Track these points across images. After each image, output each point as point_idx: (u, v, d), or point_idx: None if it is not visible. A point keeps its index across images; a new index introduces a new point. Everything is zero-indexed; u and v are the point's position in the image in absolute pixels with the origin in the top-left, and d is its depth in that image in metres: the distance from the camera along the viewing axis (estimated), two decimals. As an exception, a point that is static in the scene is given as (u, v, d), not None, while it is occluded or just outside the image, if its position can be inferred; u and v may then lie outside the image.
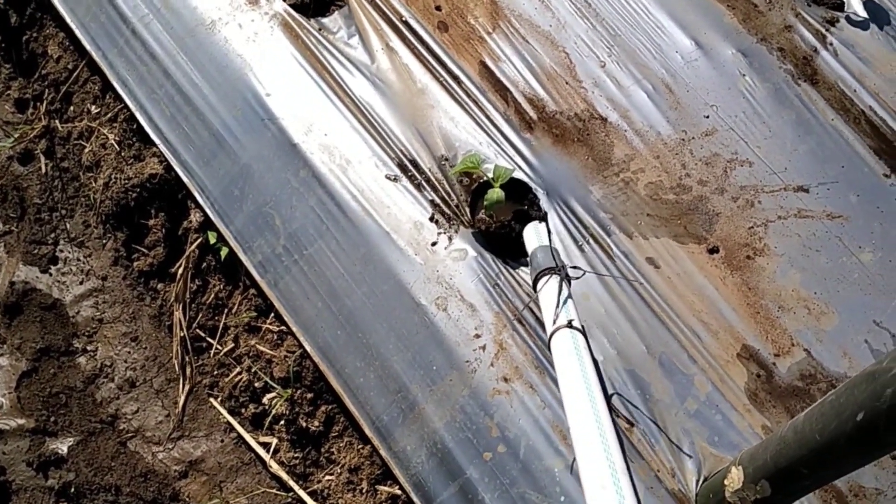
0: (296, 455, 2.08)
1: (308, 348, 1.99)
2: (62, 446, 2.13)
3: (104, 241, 2.53)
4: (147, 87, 2.33)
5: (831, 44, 2.53)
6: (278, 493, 2.11)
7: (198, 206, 2.24)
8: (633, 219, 2.10)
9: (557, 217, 2.07)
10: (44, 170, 2.64)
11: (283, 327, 2.13)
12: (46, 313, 2.38)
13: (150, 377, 2.33)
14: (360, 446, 2.00)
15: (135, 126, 2.40)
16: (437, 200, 2.09)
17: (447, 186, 2.11)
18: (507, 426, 1.77)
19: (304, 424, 2.06)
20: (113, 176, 2.44)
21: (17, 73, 2.85)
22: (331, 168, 2.11)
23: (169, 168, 2.30)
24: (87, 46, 2.44)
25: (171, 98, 2.29)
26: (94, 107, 2.58)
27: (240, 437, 2.19)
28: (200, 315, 2.33)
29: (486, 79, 2.30)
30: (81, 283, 2.47)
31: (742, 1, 2.57)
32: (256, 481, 2.15)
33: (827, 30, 2.56)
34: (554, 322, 1.68)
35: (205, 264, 2.33)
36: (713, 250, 2.08)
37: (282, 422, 2.10)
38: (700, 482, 1.72)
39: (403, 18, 2.36)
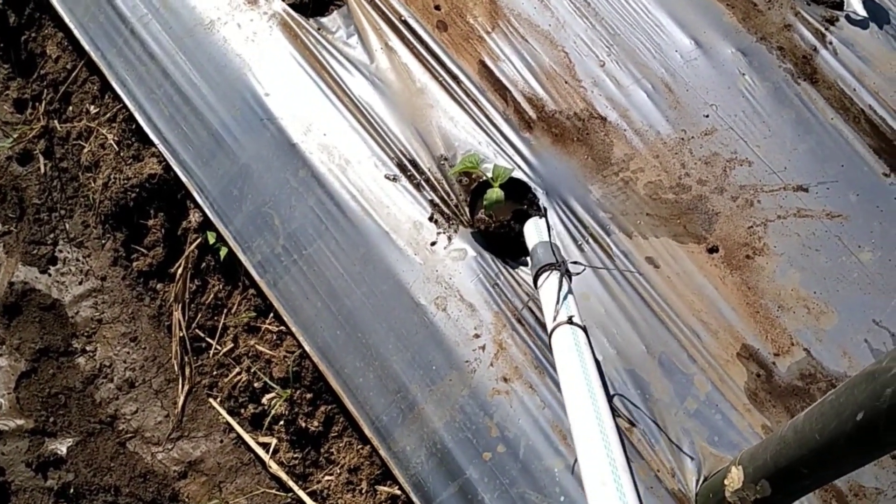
0: (295, 455, 2.08)
1: (307, 348, 1.99)
2: (61, 447, 2.12)
3: (103, 242, 2.53)
4: (146, 87, 2.33)
5: (831, 43, 2.52)
6: (278, 493, 2.11)
7: (197, 206, 2.24)
8: (633, 218, 2.10)
9: (557, 217, 2.07)
10: (43, 170, 2.64)
11: (282, 327, 2.13)
12: (45, 314, 2.38)
13: (150, 377, 2.33)
14: (359, 446, 2.00)
15: (134, 126, 2.40)
16: (437, 200, 2.09)
17: (446, 186, 2.11)
18: (507, 426, 1.77)
19: (303, 425, 2.06)
20: (112, 176, 2.44)
21: (15, 73, 2.85)
22: (330, 168, 2.11)
23: (168, 168, 2.30)
24: (86, 46, 2.44)
25: (170, 98, 2.29)
26: (92, 107, 2.58)
27: (239, 437, 2.19)
28: (200, 315, 2.33)
29: (486, 78, 2.29)
30: (80, 283, 2.47)
31: (741, 0, 2.57)
32: (256, 482, 2.15)
33: (826, 29, 2.56)
34: (554, 318, 1.68)
35: (204, 264, 2.33)
36: (713, 250, 2.08)
37: (281, 422, 2.10)
38: (700, 482, 1.72)
39: (402, 18, 2.36)
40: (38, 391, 2.22)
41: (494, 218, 2.05)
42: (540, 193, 2.10)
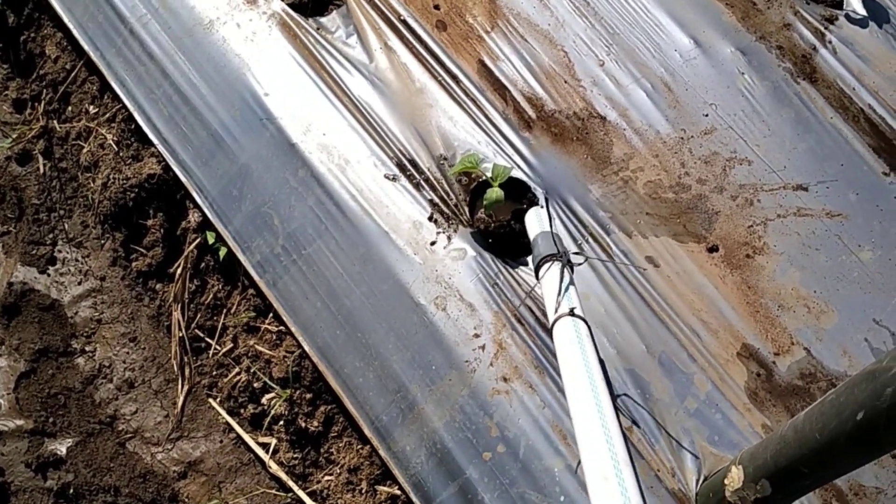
0: (295, 455, 2.08)
1: (307, 348, 1.99)
2: (61, 447, 2.12)
3: (102, 242, 2.53)
4: (145, 87, 2.33)
5: (830, 42, 2.52)
6: (277, 493, 2.11)
7: (196, 206, 2.24)
8: (633, 217, 2.10)
9: (556, 216, 2.07)
10: (42, 170, 2.63)
11: (281, 327, 2.13)
12: (45, 314, 2.37)
13: (149, 378, 2.32)
14: (359, 446, 2.00)
15: (133, 126, 2.40)
16: (436, 200, 2.09)
17: (446, 186, 2.11)
18: (507, 426, 1.77)
19: (303, 425, 2.05)
20: (111, 176, 2.43)
21: (14, 73, 2.84)
22: (329, 168, 2.10)
23: (167, 168, 2.30)
24: (85, 46, 2.44)
25: (170, 98, 2.29)
26: (92, 107, 2.58)
27: (239, 437, 2.19)
28: (199, 315, 2.32)
29: (485, 78, 2.29)
30: (80, 283, 2.46)
31: (741, -1, 2.57)
32: (256, 482, 2.15)
33: (826, 28, 2.56)
34: (556, 310, 1.65)
35: (203, 264, 2.33)
36: (712, 249, 2.08)
37: (281, 422, 2.10)
38: (700, 481, 1.72)
39: (402, 17, 2.36)
40: (37, 391, 2.22)
41: (494, 217, 2.04)
42: (539, 193, 2.10)
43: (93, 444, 2.17)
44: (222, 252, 2.21)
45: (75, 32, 2.46)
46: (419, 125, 2.19)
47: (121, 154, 2.45)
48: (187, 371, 2.30)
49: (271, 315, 2.17)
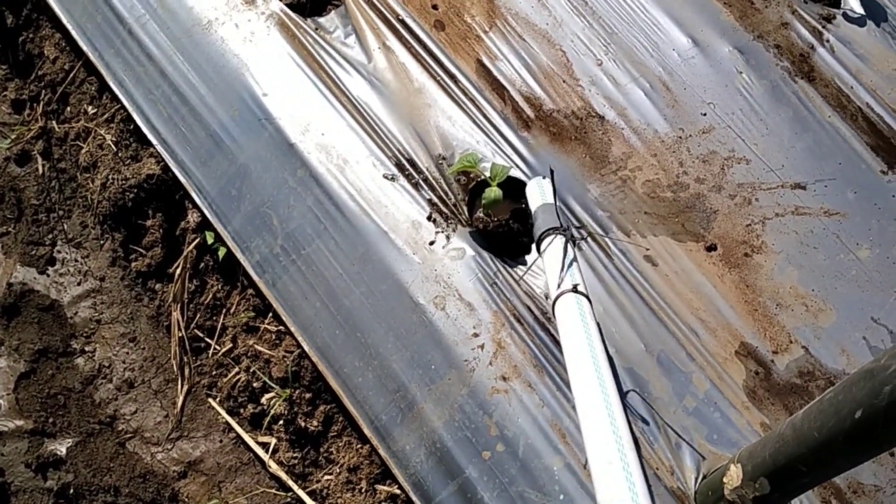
0: (295, 455, 2.08)
1: (306, 348, 1.99)
2: (61, 447, 2.12)
3: (102, 242, 2.53)
4: (144, 88, 2.33)
5: (828, 40, 2.53)
6: (277, 493, 2.11)
7: (195, 206, 2.24)
8: (631, 217, 2.10)
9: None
10: (41, 171, 2.63)
11: (281, 327, 2.13)
12: (44, 314, 2.37)
13: (149, 378, 2.33)
14: (358, 446, 2.00)
15: (132, 127, 2.40)
16: (435, 199, 2.09)
17: (445, 185, 2.11)
18: (506, 425, 1.77)
19: (302, 424, 2.06)
20: (110, 176, 2.43)
21: (13, 74, 2.84)
22: (328, 168, 2.11)
23: (166, 168, 2.30)
24: (84, 47, 2.44)
25: (168, 98, 2.29)
26: (90, 107, 2.58)
27: (238, 437, 2.19)
28: (198, 315, 2.33)
29: (483, 77, 2.29)
30: (79, 283, 2.47)
31: (739, -2, 2.57)
32: (255, 481, 2.15)
33: (823, 26, 2.56)
34: (558, 286, 1.60)
35: (203, 264, 2.33)
36: (711, 248, 2.09)
37: (280, 422, 2.10)
38: (699, 480, 1.72)
39: (400, 17, 2.36)
40: (37, 392, 2.22)
41: (493, 217, 2.05)
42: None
43: (93, 445, 2.18)
44: (221, 252, 2.21)
45: (74, 33, 2.46)
46: (417, 125, 2.19)
47: (120, 154, 2.45)
48: (187, 371, 2.30)
49: (270, 315, 2.17)
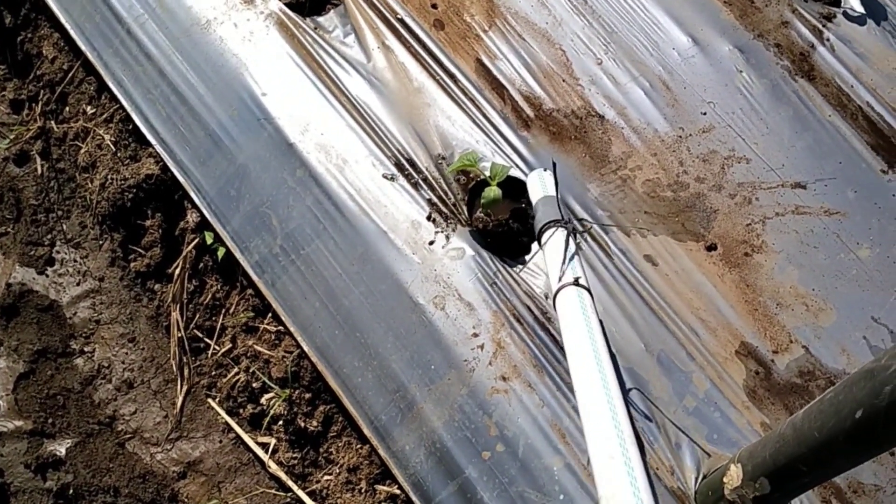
0: (294, 455, 2.08)
1: (306, 348, 1.99)
2: (60, 448, 2.12)
3: (101, 242, 2.53)
4: (143, 88, 2.33)
5: (828, 39, 2.52)
6: (277, 493, 2.11)
7: (194, 206, 2.24)
8: (631, 216, 2.10)
9: (555, 215, 2.07)
10: (40, 171, 2.63)
11: (280, 327, 2.12)
12: (43, 315, 2.37)
13: (148, 378, 2.32)
14: (358, 446, 2.00)
15: (130, 126, 2.40)
16: (435, 199, 2.08)
17: (444, 185, 2.11)
18: (506, 425, 1.77)
19: (302, 424, 2.05)
20: (109, 177, 2.43)
21: (12, 73, 2.84)
22: (327, 167, 2.10)
23: (165, 168, 2.30)
24: (83, 47, 2.44)
25: (167, 98, 2.29)
26: (89, 107, 2.57)
27: (238, 437, 2.19)
28: (198, 315, 2.32)
29: (483, 77, 2.29)
30: (78, 284, 2.46)
31: (739, -3, 2.57)
32: (255, 481, 2.15)
33: (824, 25, 2.56)
34: (560, 279, 1.58)
35: (202, 265, 2.32)
36: (711, 247, 2.08)
37: (280, 422, 2.10)
38: (699, 480, 1.72)
39: (399, 16, 2.35)
40: (36, 392, 2.21)
41: (492, 216, 2.04)
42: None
43: (92, 445, 2.17)
44: (221, 252, 2.20)
45: (72, 33, 2.46)
46: (417, 124, 2.18)
47: (118, 154, 2.45)
48: (186, 371, 2.30)
49: (270, 315, 2.17)
